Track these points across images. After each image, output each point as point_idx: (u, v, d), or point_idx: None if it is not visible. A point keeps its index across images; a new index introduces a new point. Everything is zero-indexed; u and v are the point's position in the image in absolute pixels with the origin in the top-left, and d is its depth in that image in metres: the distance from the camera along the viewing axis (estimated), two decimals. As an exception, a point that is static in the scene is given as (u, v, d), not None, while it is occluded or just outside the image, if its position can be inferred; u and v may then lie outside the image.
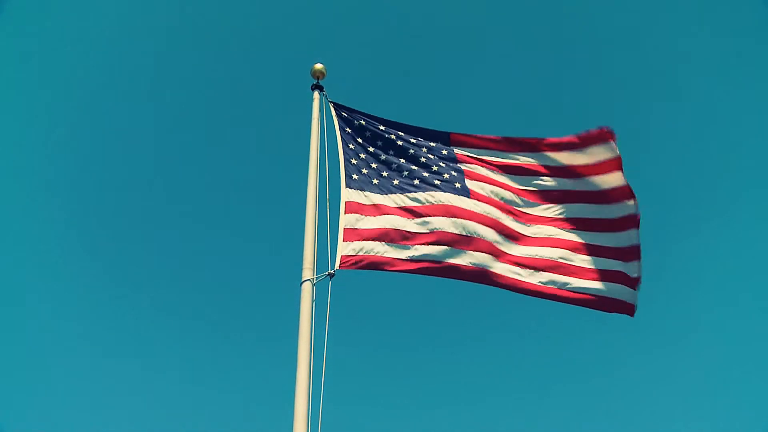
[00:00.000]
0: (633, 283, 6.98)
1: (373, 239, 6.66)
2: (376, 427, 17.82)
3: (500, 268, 6.88)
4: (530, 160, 7.43)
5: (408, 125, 7.65)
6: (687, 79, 21.24)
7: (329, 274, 6.25)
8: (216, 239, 22.02)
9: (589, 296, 6.97)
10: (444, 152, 7.51)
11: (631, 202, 7.08)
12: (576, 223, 7.22)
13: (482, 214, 7.05)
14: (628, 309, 7.00)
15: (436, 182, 7.25)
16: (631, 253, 7.04)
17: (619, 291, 6.97)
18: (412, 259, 6.67)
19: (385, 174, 7.29)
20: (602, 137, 7.12)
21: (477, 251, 6.84)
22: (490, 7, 23.12)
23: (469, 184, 7.29)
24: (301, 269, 6.25)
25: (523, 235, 7.16)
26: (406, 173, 7.32)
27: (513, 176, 7.43)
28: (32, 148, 19.23)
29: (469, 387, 19.15)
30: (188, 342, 19.87)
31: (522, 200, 7.35)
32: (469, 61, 23.66)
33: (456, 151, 7.52)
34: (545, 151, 7.37)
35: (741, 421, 15.97)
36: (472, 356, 20.11)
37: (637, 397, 18.31)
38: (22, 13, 17.91)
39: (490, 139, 7.55)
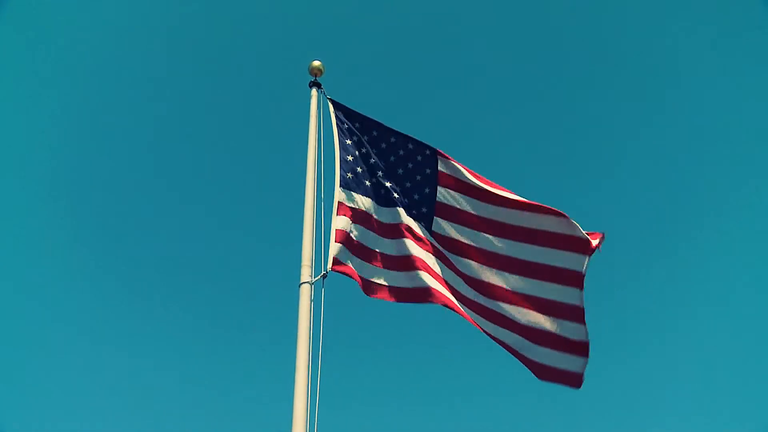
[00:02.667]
0: (577, 348, 6.59)
1: (360, 256, 6.69)
2: (375, 427, 17.79)
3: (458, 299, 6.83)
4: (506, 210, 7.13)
5: (399, 132, 7.51)
6: (686, 79, 21.24)
7: (323, 275, 6.24)
8: (214, 239, 22.06)
9: (534, 362, 6.73)
10: (428, 171, 7.33)
11: (583, 261, 6.66)
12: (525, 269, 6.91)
13: (438, 251, 7.01)
14: (573, 379, 6.59)
15: (407, 202, 7.19)
16: (573, 313, 6.65)
17: (563, 360, 6.61)
18: (392, 288, 6.71)
19: (374, 180, 7.27)
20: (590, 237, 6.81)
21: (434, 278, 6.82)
22: (488, 4, 23.10)
23: (436, 219, 7.17)
24: (298, 269, 6.22)
25: (475, 278, 6.97)
26: (383, 191, 7.23)
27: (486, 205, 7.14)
28: (32, 147, 19.27)
29: (469, 386, 19.14)
30: (187, 342, 19.88)
31: (484, 237, 7.06)
32: (468, 59, 23.65)
33: (439, 168, 7.33)
34: (524, 210, 7.01)
35: (741, 421, 15.93)
36: (471, 355, 20.08)
37: (637, 397, 18.28)
38: (22, 13, 17.93)
39: (475, 183, 7.19)
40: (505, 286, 6.87)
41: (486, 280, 6.92)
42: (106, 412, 16.92)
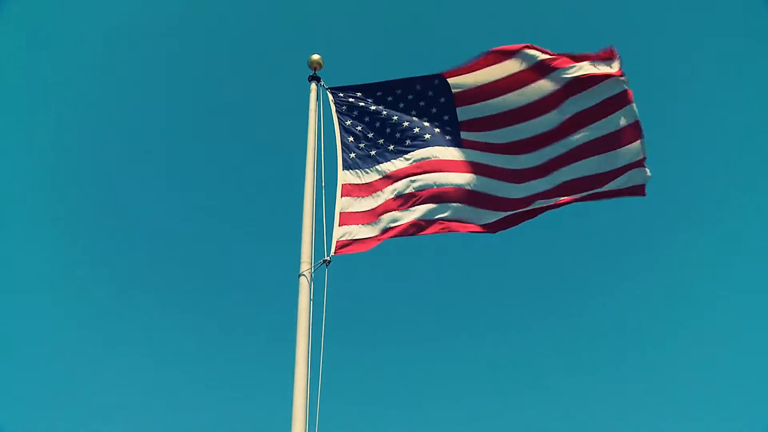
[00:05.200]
0: (638, 164, 6.87)
1: (366, 220, 6.67)
2: (376, 422, 17.77)
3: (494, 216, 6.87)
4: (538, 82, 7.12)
5: (403, 78, 7.49)
6: (686, 79, 21.24)
7: (325, 261, 6.20)
8: (214, 232, 21.98)
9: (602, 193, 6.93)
10: (442, 100, 7.31)
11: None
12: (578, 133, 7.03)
13: (473, 163, 6.98)
14: (638, 190, 6.95)
15: (427, 136, 7.16)
16: (631, 134, 6.89)
17: (627, 179, 6.90)
18: (387, 229, 6.66)
19: (381, 141, 7.24)
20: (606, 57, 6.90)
21: (463, 203, 6.83)
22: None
23: (464, 134, 7.17)
24: (299, 261, 6.17)
25: (520, 170, 7.02)
26: (398, 135, 7.24)
27: (516, 92, 7.13)
28: (32, 147, 19.28)
29: (473, 381, 19.10)
30: (184, 337, 19.77)
31: (521, 125, 7.10)
32: (470, 51, 23.58)
33: (453, 91, 7.27)
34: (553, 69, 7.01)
35: (741, 422, 15.89)
36: (474, 350, 20.07)
37: (633, 397, 18.24)
38: (22, 13, 17.97)
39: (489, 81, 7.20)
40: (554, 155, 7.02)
41: (535, 164, 7.03)
42: (103, 409, 16.88)
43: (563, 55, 7.02)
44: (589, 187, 6.94)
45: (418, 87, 7.42)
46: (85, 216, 20.46)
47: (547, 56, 7.01)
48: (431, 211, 6.81)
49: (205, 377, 18.77)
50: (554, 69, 7.00)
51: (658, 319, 19.69)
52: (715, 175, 20.66)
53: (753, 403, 15.99)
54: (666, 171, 21.29)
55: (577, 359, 19.59)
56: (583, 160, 6.97)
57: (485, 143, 7.10)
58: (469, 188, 6.94)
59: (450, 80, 7.27)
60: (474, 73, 7.19)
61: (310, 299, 5.95)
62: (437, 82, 7.31)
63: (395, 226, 6.69)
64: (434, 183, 6.92)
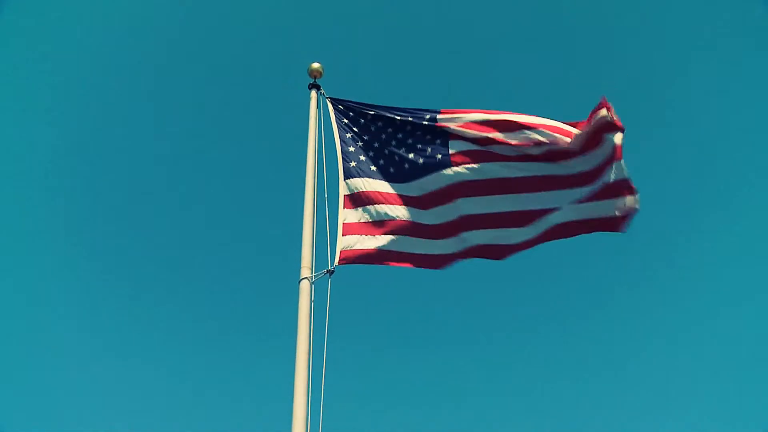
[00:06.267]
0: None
1: (369, 233, 6.73)
2: (376, 426, 17.83)
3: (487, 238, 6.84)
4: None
5: (400, 108, 7.51)
6: (686, 79, 21.26)
7: (328, 271, 6.27)
8: (215, 239, 22.02)
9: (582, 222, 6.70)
10: (429, 122, 7.24)
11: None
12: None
13: (465, 182, 6.97)
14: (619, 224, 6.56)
15: (421, 161, 7.13)
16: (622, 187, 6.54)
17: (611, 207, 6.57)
18: (403, 253, 6.76)
19: (381, 161, 7.28)
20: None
21: (463, 231, 6.87)
22: (490, 3, 23.13)
23: (452, 148, 7.11)
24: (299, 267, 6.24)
25: (513, 180, 6.88)
26: (397, 158, 7.25)
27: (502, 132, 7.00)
28: (31, 147, 19.31)
29: (473, 384, 19.17)
30: (186, 341, 19.84)
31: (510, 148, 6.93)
32: (469, 59, 23.68)
33: (440, 119, 7.24)
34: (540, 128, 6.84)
35: (741, 422, 15.99)
36: (474, 353, 20.13)
37: (633, 398, 18.33)
38: (22, 13, 17.98)
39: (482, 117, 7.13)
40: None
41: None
42: (105, 412, 16.94)
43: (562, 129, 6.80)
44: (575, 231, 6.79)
45: (415, 113, 7.39)
46: (88, 222, 20.51)
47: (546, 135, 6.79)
48: (436, 246, 6.89)
49: (205, 380, 18.88)
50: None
51: (660, 322, 19.78)
52: (713, 176, 20.74)
53: (753, 403, 16.09)
54: (668, 170, 21.43)
55: (578, 361, 19.70)
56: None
57: (472, 180, 7.03)
58: (450, 220, 6.96)
59: (443, 115, 7.25)
60: (470, 114, 7.18)
61: (311, 304, 6.01)
62: (431, 116, 7.29)
63: (396, 251, 6.76)
64: (432, 220, 6.96)
